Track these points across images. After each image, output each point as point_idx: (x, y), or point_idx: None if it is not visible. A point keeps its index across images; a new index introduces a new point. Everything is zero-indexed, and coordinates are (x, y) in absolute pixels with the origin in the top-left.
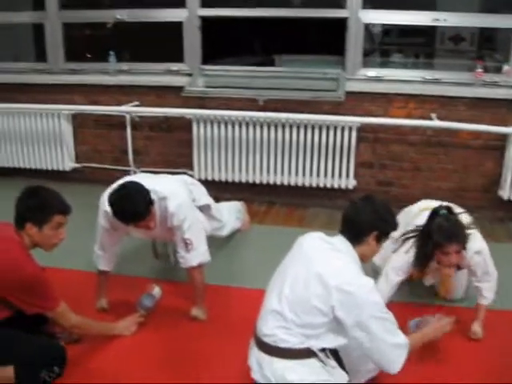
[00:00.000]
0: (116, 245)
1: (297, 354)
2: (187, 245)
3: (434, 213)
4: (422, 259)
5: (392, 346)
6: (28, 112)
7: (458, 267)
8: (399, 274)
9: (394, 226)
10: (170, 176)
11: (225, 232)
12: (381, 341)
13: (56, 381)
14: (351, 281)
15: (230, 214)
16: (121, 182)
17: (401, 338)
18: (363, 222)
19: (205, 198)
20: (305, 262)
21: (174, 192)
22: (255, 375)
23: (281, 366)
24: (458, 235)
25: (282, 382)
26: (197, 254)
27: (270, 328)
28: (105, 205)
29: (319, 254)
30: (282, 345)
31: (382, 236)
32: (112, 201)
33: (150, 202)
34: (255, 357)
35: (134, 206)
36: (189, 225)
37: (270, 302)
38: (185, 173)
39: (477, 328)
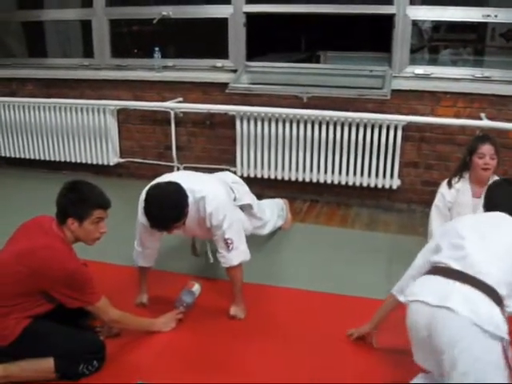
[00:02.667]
0: (156, 241)
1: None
2: (228, 244)
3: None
4: (462, 168)
5: None
6: (74, 107)
7: None
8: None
9: None
10: (210, 175)
11: (266, 231)
12: None
13: (94, 374)
14: None
15: (273, 212)
16: (162, 180)
17: None
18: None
19: (247, 196)
20: None
21: (212, 192)
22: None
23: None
24: (490, 138)
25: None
26: (238, 254)
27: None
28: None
29: None
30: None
31: None
32: (145, 204)
33: (180, 215)
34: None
35: (162, 218)
36: (228, 224)
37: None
38: (227, 169)
39: None
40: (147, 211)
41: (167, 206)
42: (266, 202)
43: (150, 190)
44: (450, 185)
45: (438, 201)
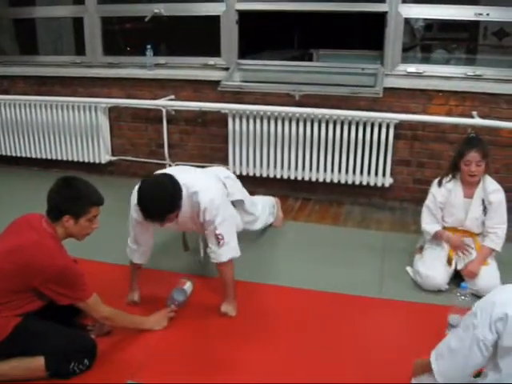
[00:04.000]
0: (149, 238)
1: None
2: (219, 240)
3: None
4: (452, 168)
5: None
6: (66, 105)
7: (484, 208)
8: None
9: None
10: (204, 170)
11: (257, 226)
12: None
13: (85, 372)
14: None
15: (264, 208)
16: (156, 174)
17: None
18: None
19: (239, 192)
20: None
21: (206, 186)
22: None
23: None
24: (477, 145)
25: None
26: (228, 249)
27: None
28: (135, 198)
29: None
30: None
31: None
32: (139, 194)
33: (174, 206)
34: None
35: (155, 209)
36: (221, 220)
37: None
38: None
39: (474, 267)
40: (141, 202)
41: (161, 197)
42: (258, 197)
43: (143, 181)
44: (440, 184)
45: (428, 201)
